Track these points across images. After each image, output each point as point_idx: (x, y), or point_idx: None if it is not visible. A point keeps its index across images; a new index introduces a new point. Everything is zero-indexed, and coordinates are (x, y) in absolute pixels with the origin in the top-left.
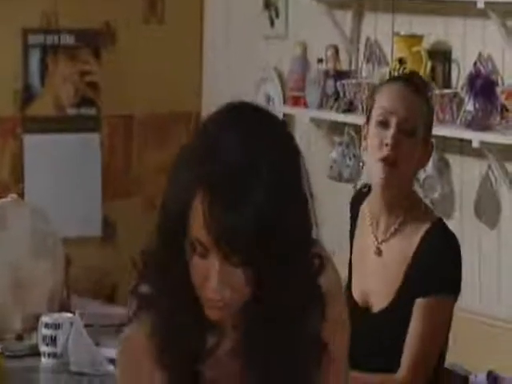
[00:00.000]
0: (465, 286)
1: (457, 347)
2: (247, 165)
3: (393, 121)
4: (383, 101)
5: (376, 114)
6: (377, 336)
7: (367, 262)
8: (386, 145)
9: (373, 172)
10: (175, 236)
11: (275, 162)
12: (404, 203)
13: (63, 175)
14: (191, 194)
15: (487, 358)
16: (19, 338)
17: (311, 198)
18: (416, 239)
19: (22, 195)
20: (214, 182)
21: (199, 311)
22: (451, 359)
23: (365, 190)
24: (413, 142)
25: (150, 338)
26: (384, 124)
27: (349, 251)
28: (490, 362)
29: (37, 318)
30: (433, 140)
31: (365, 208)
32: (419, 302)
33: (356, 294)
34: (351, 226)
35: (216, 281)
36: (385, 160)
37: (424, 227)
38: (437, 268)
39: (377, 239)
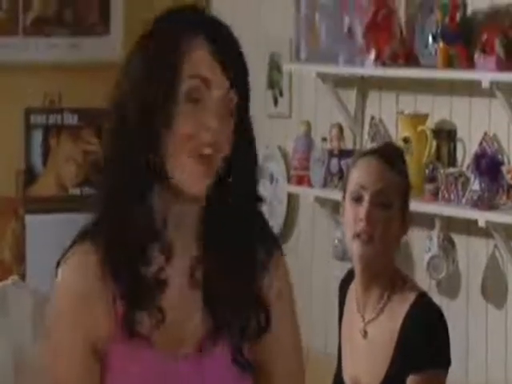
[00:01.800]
0: (471, 366)
1: None
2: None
3: (366, 195)
4: (356, 176)
5: (350, 190)
6: None
7: (355, 344)
8: (361, 220)
9: (350, 249)
10: (164, 89)
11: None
12: (386, 279)
13: None
14: (188, 42)
15: None
16: None
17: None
18: (401, 316)
19: (23, 276)
20: (213, 29)
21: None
22: None
23: (352, 272)
24: (388, 215)
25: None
26: (358, 199)
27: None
28: None
29: None
30: (410, 211)
31: (353, 289)
32: (411, 380)
33: (346, 378)
34: (339, 309)
35: (214, 118)
36: (360, 236)
37: (408, 303)
38: (425, 343)
39: (363, 320)
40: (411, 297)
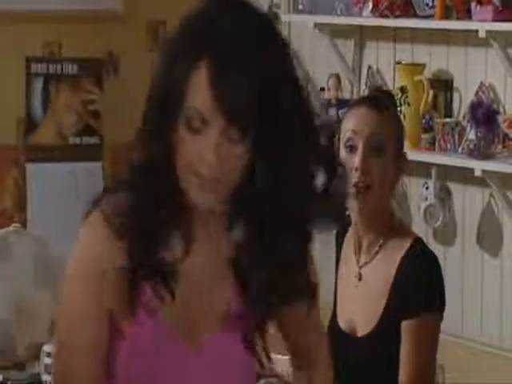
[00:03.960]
0: (467, 315)
1: (457, 375)
2: (254, 40)
3: (359, 143)
4: (349, 124)
5: (343, 140)
6: (364, 361)
7: (350, 288)
8: (356, 169)
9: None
10: (166, 112)
11: (280, 45)
12: (382, 223)
13: (66, 204)
14: (193, 64)
15: None
16: (22, 367)
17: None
18: (396, 261)
19: (24, 224)
20: (219, 51)
21: (173, 200)
22: None
23: (349, 217)
24: (382, 161)
25: (116, 214)
26: (351, 148)
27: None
28: None
29: (39, 347)
30: (405, 152)
31: (350, 235)
32: (407, 324)
33: (341, 321)
34: (337, 255)
35: (213, 155)
36: (356, 186)
37: (403, 248)
38: (420, 288)
39: (358, 264)
40: (407, 242)
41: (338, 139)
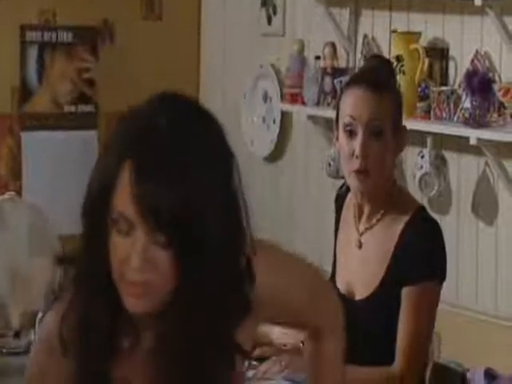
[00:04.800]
0: (462, 283)
1: (452, 344)
2: (178, 144)
3: (359, 128)
4: (347, 108)
5: (342, 122)
6: (361, 324)
7: (350, 254)
8: (357, 157)
9: (348, 182)
10: (97, 214)
11: (207, 151)
12: (385, 196)
13: (61, 172)
14: (118, 166)
15: (482, 355)
16: (17, 335)
17: (245, 204)
18: (398, 228)
19: (19, 192)
20: (143, 154)
21: (116, 305)
22: (447, 356)
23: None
24: (382, 143)
25: (61, 327)
26: (351, 132)
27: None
28: (485, 359)
29: (34, 315)
30: (405, 125)
31: (349, 201)
32: (407, 290)
33: (340, 285)
34: (336, 220)
35: (138, 258)
36: (357, 171)
37: (406, 215)
38: (422, 255)
39: (358, 231)
40: (409, 210)
41: (337, 118)
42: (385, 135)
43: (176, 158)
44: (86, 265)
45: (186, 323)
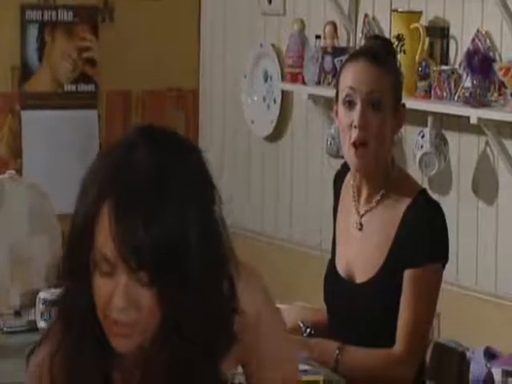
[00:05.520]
0: (462, 263)
1: (452, 323)
2: (155, 180)
3: (358, 99)
4: (347, 80)
5: (342, 95)
6: (362, 307)
7: (350, 236)
8: (355, 127)
9: (347, 158)
10: (80, 256)
11: (186, 184)
12: (384, 174)
13: (61, 151)
14: (97, 207)
15: (482, 334)
16: (17, 314)
17: (224, 229)
18: (400, 210)
19: (20, 171)
20: (120, 193)
21: (105, 342)
22: (447, 335)
23: (347, 165)
24: (381, 116)
25: (50, 368)
26: (350, 103)
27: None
28: (485, 338)
29: (35, 294)
30: (404, 103)
31: (348, 182)
32: (409, 273)
33: (340, 267)
34: (334, 202)
35: (121, 298)
36: (355, 143)
37: (408, 198)
38: (425, 237)
39: (358, 213)
40: (411, 192)
41: (337, 94)
42: (384, 108)
43: (153, 194)
44: (71, 306)
45: (171, 357)
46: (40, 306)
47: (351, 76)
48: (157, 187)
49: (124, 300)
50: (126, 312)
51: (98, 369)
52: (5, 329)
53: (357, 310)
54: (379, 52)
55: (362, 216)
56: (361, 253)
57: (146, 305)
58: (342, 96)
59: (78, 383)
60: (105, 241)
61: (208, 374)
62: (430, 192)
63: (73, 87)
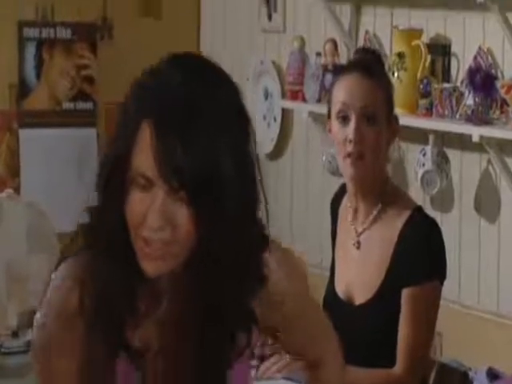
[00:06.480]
0: (464, 281)
1: (454, 343)
2: (196, 102)
3: (352, 114)
4: (340, 95)
5: (335, 110)
6: (362, 329)
7: (348, 256)
8: (350, 141)
9: (342, 168)
10: (115, 175)
11: (225, 108)
12: (379, 190)
13: (59, 169)
14: (137, 125)
15: (484, 354)
16: (15, 334)
17: (257, 162)
18: (397, 227)
19: (18, 190)
20: (162, 113)
21: (135, 268)
22: (449, 354)
23: (344, 187)
24: (376, 129)
25: (82, 296)
26: (344, 119)
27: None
28: (488, 358)
29: (32, 313)
30: (396, 115)
31: (345, 203)
32: (407, 292)
33: (339, 289)
34: (332, 225)
35: (157, 215)
36: (351, 156)
37: (404, 214)
38: (422, 255)
39: (356, 232)
40: (407, 210)
41: (329, 109)
42: (378, 121)
43: (195, 115)
44: (103, 228)
45: (203, 283)
46: None
47: (344, 90)
48: (198, 108)
49: (160, 217)
50: (162, 230)
51: (130, 298)
52: (2, 350)
53: (356, 333)
54: (370, 64)
55: (359, 234)
56: (360, 273)
57: (182, 223)
58: (335, 111)
59: (109, 314)
60: (145, 159)
61: (236, 307)
62: (431, 210)
63: (71, 105)
